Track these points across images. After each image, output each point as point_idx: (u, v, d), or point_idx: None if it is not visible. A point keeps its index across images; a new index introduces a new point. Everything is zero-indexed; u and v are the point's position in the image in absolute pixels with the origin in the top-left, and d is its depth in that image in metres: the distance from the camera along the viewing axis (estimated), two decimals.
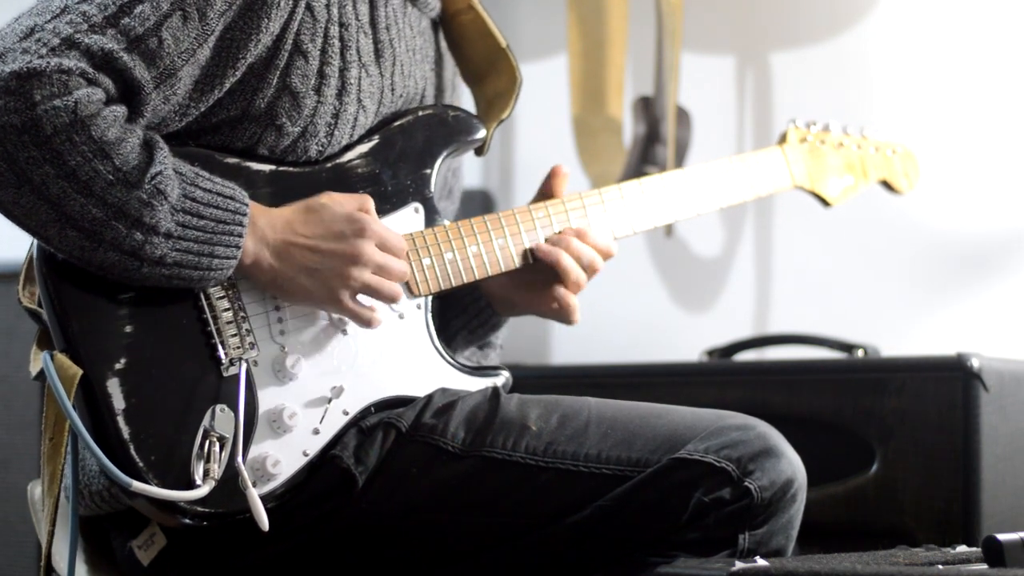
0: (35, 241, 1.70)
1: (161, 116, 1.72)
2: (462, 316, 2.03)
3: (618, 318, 3.18)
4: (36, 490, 1.86)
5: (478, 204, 3.16)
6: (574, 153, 3.14)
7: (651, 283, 3.22)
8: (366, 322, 1.79)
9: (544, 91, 3.20)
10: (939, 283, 2.95)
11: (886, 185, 2.32)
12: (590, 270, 1.95)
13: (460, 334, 2.03)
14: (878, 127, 2.33)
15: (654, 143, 3.03)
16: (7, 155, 1.61)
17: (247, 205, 1.71)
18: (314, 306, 1.77)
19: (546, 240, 1.94)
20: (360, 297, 1.78)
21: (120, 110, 1.67)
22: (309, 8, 1.79)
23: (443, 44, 2.02)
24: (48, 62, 1.62)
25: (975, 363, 2.30)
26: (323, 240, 1.75)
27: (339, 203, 1.77)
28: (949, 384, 2.31)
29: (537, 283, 1.96)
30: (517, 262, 1.93)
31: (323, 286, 1.75)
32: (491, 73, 2.00)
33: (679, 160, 3.05)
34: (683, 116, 3.08)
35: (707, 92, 3.16)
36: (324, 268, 1.75)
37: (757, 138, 3.14)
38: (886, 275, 3.00)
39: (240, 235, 1.70)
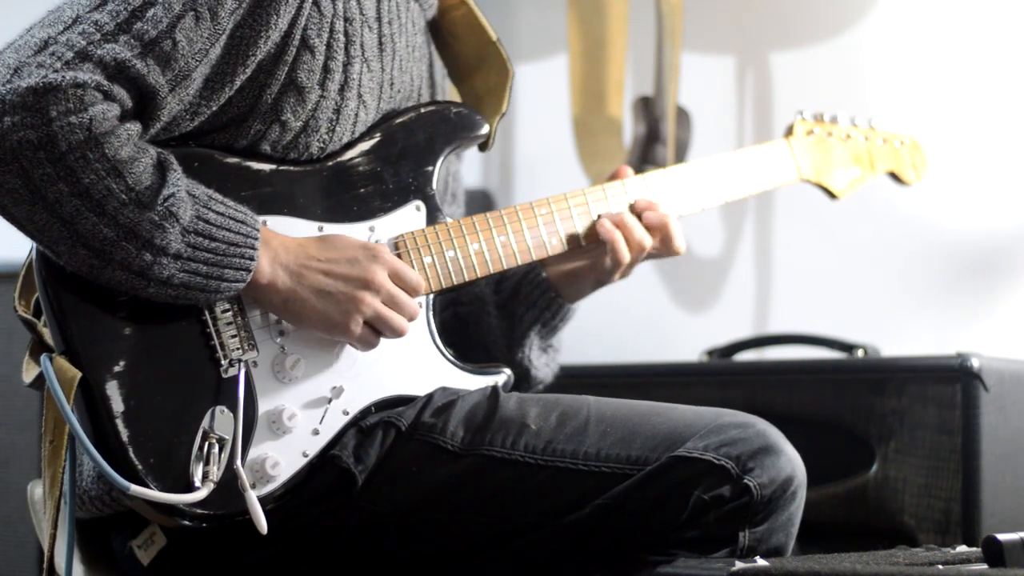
0: (35, 245, 1.70)
1: (173, 116, 1.72)
2: (532, 309, 2.03)
3: (618, 318, 3.17)
4: (36, 490, 1.86)
5: (478, 204, 3.15)
6: (574, 153, 3.13)
7: (651, 283, 3.22)
8: (369, 348, 1.80)
9: (544, 91, 3.20)
10: (939, 283, 2.95)
11: (894, 177, 2.31)
12: (638, 248, 1.97)
13: (533, 328, 2.04)
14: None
15: (654, 143, 3.03)
16: (22, 171, 1.61)
17: (258, 229, 1.72)
18: (323, 331, 1.77)
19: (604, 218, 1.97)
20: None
21: (135, 128, 1.67)
22: (316, 3, 1.79)
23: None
24: (63, 76, 1.62)
25: (975, 363, 2.29)
26: (337, 264, 1.76)
27: (352, 237, 1.79)
28: (949, 384, 2.31)
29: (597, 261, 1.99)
30: (534, 254, 1.93)
31: (336, 309, 1.75)
32: (480, 68, 2.00)
33: (679, 160, 3.04)
34: (683, 116, 3.08)
35: (707, 92, 3.16)
36: (337, 292, 1.75)
37: (757, 138, 3.13)
38: (886, 275, 2.99)
39: (251, 258, 1.70)
